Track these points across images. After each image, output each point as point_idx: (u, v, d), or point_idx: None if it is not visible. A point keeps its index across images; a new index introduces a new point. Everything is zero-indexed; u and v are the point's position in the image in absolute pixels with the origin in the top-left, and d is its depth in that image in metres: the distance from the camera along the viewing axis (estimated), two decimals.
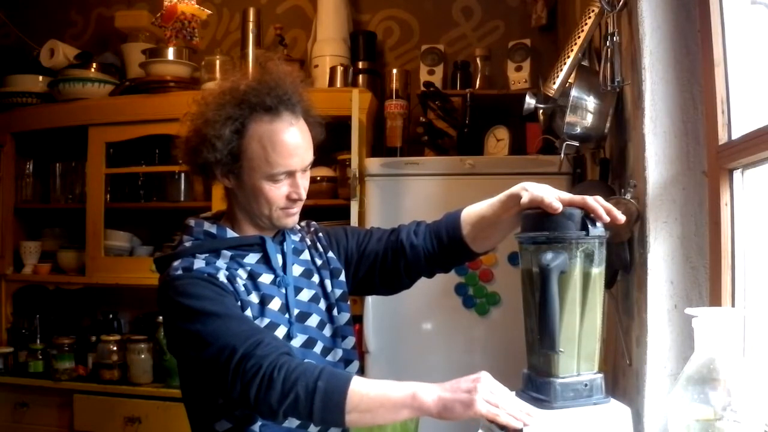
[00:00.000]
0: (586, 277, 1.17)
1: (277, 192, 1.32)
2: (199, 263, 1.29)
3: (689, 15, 1.39)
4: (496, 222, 1.35)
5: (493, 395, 1.08)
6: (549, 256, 1.13)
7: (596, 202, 1.18)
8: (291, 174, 1.32)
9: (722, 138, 1.31)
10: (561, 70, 1.61)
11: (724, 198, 1.30)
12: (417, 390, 1.10)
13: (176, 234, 1.40)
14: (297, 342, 1.33)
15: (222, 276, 1.27)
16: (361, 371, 1.59)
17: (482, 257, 1.72)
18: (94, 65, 3.08)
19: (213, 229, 1.36)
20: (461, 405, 1.07)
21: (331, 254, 1.46)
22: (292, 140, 1.31)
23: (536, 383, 1.18)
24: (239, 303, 1.27)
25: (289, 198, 1.34)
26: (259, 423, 1.27)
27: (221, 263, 1.31)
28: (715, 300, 1.31)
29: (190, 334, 1.21)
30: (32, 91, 3.11)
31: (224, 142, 1.28)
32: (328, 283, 1.42)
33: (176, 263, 1.30)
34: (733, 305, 1.27)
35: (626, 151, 1.57)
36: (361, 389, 1.11)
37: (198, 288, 1.24)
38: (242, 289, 1.29)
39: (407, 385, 1.11)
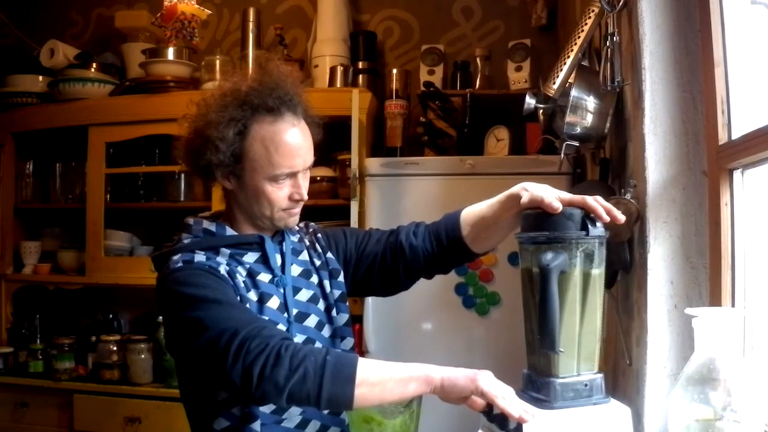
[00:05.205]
0: (586, 277, 1.17)
1: (280, 193, 1.32)
2: (199, 257, 1.29)
3: (689, 15, 1.39)
4: (495, 222, 1.35)
5: (495, 384, 1.12)
6: (549, 256, 1.13)
7: (596, 202, 1.18)
8: (293, 175, 1.33)
9: (722, 138, 1.31)
10: (561, 70, 1.61)
11: (724, 198, 1.30)
12: (423, 365, 1.15)
13: (176, 234, 1.39)
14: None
15: (223, 270, 1.27)
16: None
17: (482, 257, 1.72)
18: (94, 65, 3.08)
19: (212, 227, 1.36)
20: (465, 379, 1.12)
21: (330, 255, 1.46)
22: (295, 141, 1.31)
23: (536, 383, 1.18)
24: (239, 298, 1.26)
25: (291, 198, 1.34)
26: (259, 422, 1.26)
27: (221, 259, 1.31)
28: (715, 300, 1.31)
29: (191, 321, 1.20)
30: (32, 91, 3.11)
31: (227, 144, 1.28)
32: (326, 283, 1.42)
33: (176, 257, 1.29)
34: (733, 305, 1.27)
35: (626, 151, 1.57)
36: (370, 364, 1.16)
37: (199, 278, 1.24)
38: (242, 285, 1.29)
39: (413, 364, 1.16)
